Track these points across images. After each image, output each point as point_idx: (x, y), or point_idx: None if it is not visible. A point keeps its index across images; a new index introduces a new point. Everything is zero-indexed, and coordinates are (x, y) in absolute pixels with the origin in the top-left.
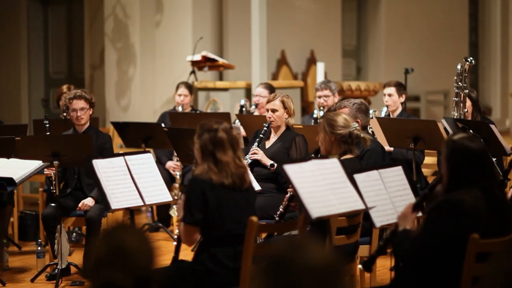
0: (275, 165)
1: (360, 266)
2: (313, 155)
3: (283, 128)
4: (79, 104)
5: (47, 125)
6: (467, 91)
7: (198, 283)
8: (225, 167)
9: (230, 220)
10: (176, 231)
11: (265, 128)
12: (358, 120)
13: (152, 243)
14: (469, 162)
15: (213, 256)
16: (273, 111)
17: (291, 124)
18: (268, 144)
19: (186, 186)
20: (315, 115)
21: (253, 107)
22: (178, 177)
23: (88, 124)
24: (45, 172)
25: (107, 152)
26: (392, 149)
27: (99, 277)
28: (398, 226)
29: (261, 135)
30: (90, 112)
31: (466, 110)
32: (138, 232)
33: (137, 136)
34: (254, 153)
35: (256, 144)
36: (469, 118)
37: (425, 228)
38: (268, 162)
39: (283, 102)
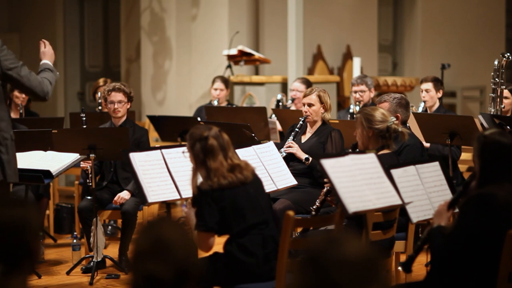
0: (310, 159)
1: (400, 268)
2: (350, 150)
3: (319, 123)
4: (117, 97)
5: (84, 118)
6: (504, 86)
7: (232, 275)
8: (216, 172)
9: (248, 212)
10: None
11: (301, 122)
12: (398, 115)
13: (192, 236)
14: (501, 156)
15: (241, 246)
16: (310, 105)
17: (327, 119)
18: (304, 138)
19: (194, 199)
20: (351, 110)
21: (290, 101)
22: None
23: (125, 118)
24: (81, 165)
25: (144, 146)
26: (428, 145)
27: (140, 269)
28: (433, 223)
29: (296, 129)
30: (128, 106)
31: (503, 106)
32: (178, 225)
33: (173, 130)
34: (289, 147)
35: (291, 137)
36: (508, 115)
37: (458, 222)
38: (303, 155)
39: (319, 96)
